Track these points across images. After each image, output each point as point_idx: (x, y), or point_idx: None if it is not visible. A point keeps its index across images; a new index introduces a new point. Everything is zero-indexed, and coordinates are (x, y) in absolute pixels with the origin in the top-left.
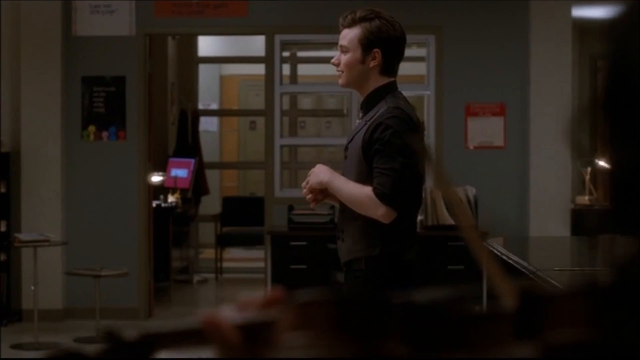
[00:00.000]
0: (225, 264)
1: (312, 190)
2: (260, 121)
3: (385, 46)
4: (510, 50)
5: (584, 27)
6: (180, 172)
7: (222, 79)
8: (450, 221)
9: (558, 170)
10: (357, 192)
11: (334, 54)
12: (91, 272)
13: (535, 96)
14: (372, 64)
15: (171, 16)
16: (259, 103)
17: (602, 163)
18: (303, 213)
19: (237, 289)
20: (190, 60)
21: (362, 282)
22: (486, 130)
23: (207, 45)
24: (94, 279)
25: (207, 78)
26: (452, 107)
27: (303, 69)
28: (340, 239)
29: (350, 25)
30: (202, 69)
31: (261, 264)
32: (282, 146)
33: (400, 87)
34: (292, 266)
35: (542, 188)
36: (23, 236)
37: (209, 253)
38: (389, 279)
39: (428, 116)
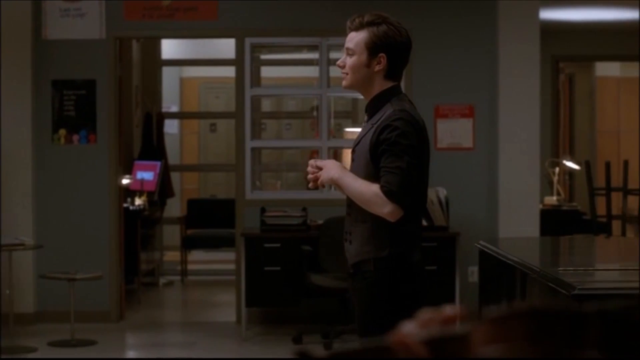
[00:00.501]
0: (190, 267)
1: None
2: (221, 123)
3: (390, 51)
4: (478, 52)
5: (545, 28)
6: (147, 174)
7: (183, 82)
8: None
9: (527, 171)
10: (365, 190)
11: (299, 56)
12: (66, 275)
13: (503, 97)
14: (377, 68)
15: (141, 19)
16: (219, 105)
17: (568, 164)
18: (275, 215)
19: (204, 291)
20: (153, 62)
21: (371, 284)
22: (455, 132)
23: (169, 47)
24: (68, 282)
25: (167, 81)
26: (421, 109)
27: (265, 71)
28: (347, 240)
29: (357, 28)
30: (163, 71)
31: (226, 266)
32: (252, 148)
33: None
34: (266, 268)
35: (511, 189)
36: None
37: (172, 256)
38: (398, 279)
39: None
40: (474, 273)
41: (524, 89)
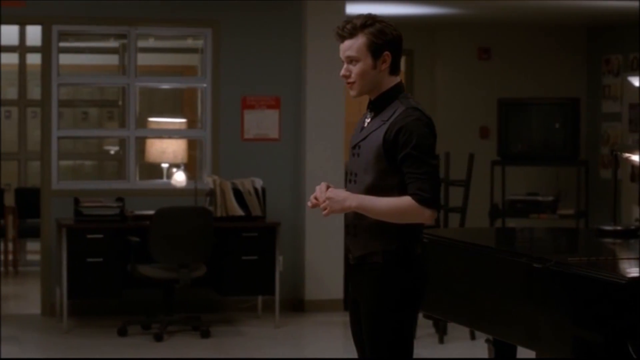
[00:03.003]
0: None
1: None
2: None
3: (392, 47)
4: (285, 45)
5: None
6: None
7: None
8: (239, 212)
9: (332, 162)
10: (398, 204)
11: (104, 45)
12: None
13: (310, 90)
14: (383, 67)
15: None
16: None
17: None
18: (91, 205)
19: None
20: None
21: (380, 275)
22: (261, 123)
23: None
24: None
25: None
26: (229, 100)
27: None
28: (351, 233)
29: (352, 35)
30: None
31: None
32: (59, 138)
33: (174, 78)
34: (89, 259)
35: (317, 179)
36: None
37: None
38: (404, 271)
39: (204, 108)
40: (280, 262)
41: (330, 83)
